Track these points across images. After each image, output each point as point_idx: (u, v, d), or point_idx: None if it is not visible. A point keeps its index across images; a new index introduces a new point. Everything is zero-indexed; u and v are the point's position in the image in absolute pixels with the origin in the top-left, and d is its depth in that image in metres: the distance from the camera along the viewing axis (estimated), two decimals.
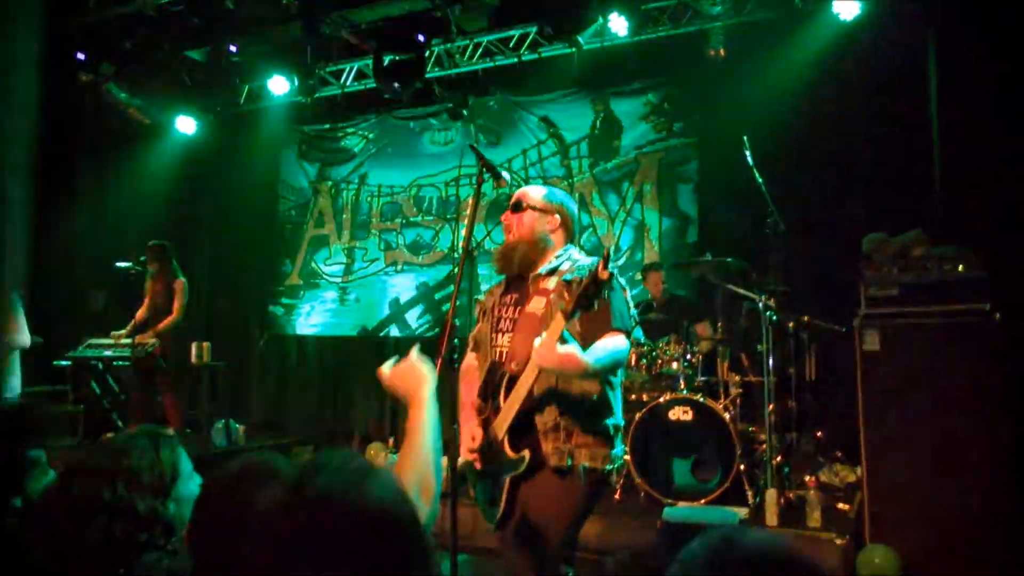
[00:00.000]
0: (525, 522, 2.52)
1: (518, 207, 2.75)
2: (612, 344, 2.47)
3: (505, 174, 2.69)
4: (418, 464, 1.66)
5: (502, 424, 2.52)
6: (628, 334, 2.54)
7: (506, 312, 2.71)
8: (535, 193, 2.79)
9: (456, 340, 2.57)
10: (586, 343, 2.40)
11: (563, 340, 2.28)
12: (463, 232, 2.52)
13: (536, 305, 2.60)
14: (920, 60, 4.92)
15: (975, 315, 3.80)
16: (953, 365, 3.82)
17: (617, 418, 2.60)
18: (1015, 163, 4.19)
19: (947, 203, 4.53)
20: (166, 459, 1.64)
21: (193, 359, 6.69)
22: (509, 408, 2.51)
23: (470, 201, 2.59)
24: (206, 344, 6.74)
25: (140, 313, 6.60)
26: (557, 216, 2.71)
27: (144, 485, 1.58)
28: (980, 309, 3.79)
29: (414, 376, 1.84)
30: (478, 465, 2.60)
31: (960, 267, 3.87)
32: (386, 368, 1.93)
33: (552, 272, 2.64)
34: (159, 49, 7.23)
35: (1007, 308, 3.82)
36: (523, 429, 2.51)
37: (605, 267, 2.18)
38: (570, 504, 2.52)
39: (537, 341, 2.28)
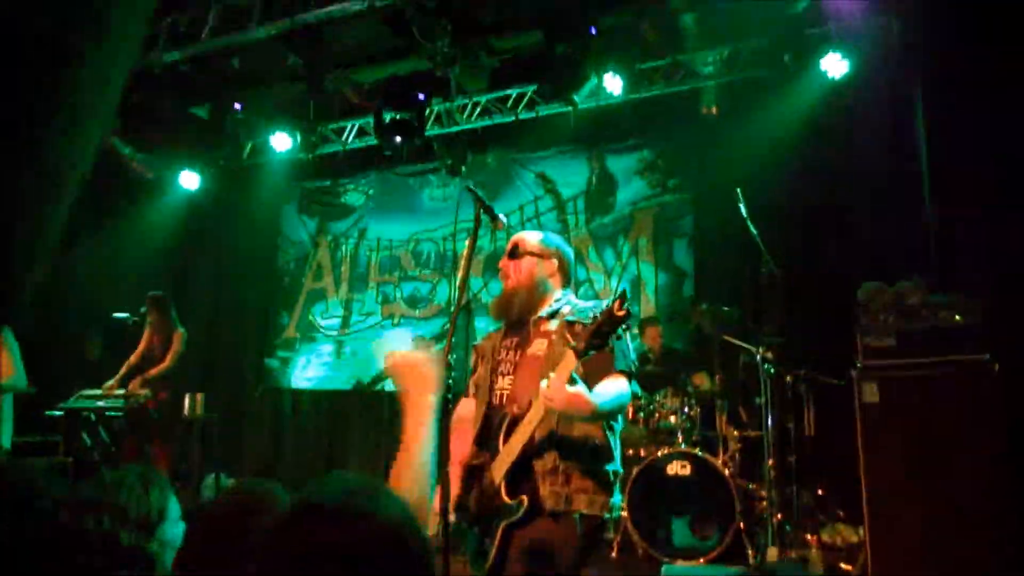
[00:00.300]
0: (519, 573, 2.40)
1: (515, 253, 2.70)
2: (615, 387, 2.41)
3: (502, 216, 2.65)
4: (411, 481, 1.54)
5: (500, 468, 2.43)
6: (631, 377, 2.49)
7: (506, 355, 2.66)
8: (532, 238, 2.74)
9: (450, 380, 2.50)
10: (588, 385, 2.32)
11: (572, 381, 2.22)
12: (459, 273, 2.45)
13: (538, 347, 2.56)
14: (908, 111, 4.97)
15: (974, 365, 3.71)
16: (953, 417, 3.71)
17: (616, 465, 2.51)
18: (1008, 209, 4.18)
19: (943, 251, 4.50)
20: (155, 499, 1.59)
21: (186, 411, 6.59)
22: (509, 451, 2.42)
23: (467, 243, 2.54)
24: (199, 396, 6.65)
25: (131, 360, 6.53)
26: (555, 260, 2.69)
27: (129, 520, 1.53)
28: (979, 359, 3.70)
29: (423, 375, 1.66)
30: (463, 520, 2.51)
31: (957, 315, 3.81)
32: (396, 351, 1.76)
33: (553, 315, 2.60)
34: (165, 106, 7.33)
35: (1006, 356, 3.74)
36: (521, 474, 2.42)
37: (622, 306, 2.14)
38: (566, 552, 2.40)
39: (544, 382, 2.23)
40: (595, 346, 2.19)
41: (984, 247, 4.29)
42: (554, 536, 2.39)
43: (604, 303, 2.32)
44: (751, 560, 4.30)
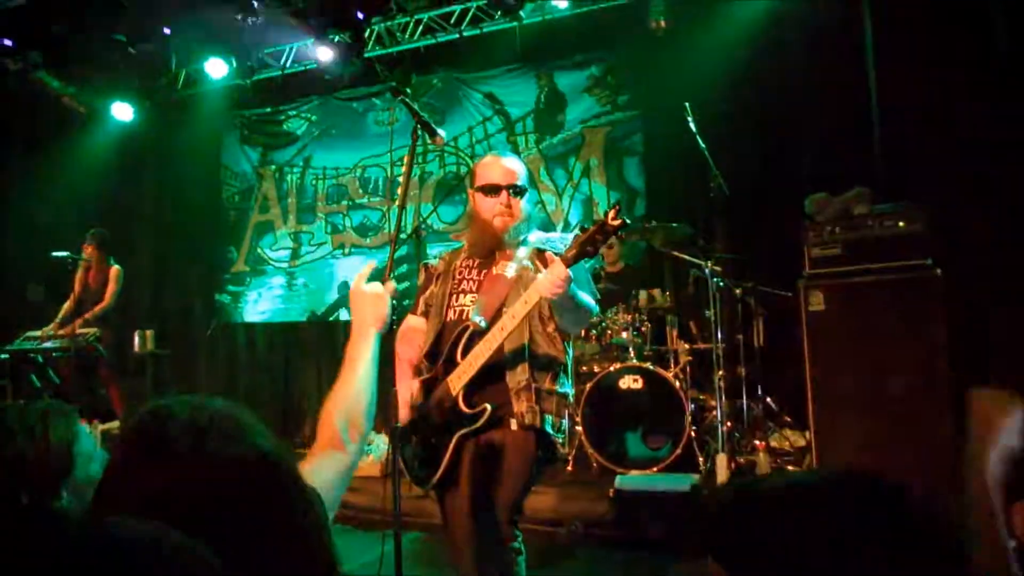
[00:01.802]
0: (474, 482, 2.41)
1: (518, 190, 2.64)
2: (587, 298, 2.47)
3: (440, 131, 2.53)
4: (349, 397, 1.56)
5: (459, 379, 2.44)
6: (597, 301, 2.57)
7: (468, 274, 2.66)
8: (521, 171, 2.69)
9: (395, 302, 2.42)
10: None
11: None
12: (399, 192, 2.35)
13: (503, 268, 2.57)
14: (856, 21, 4.87)
15: (917, 270, 3.74)
16: (897, 322, 3.75)
17: (570, 387, 2.58)
18: (954, 117, 4.16)
19: (888, 161, 4.48)
20: (56, 440, 1.35)
21: (136, 347, 6.51)
22: (471, 363, 2.42)
23: (404, 159, 2.43)
24: (149, 332, 6.56)
25: (68, 302, 6.37)
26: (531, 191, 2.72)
27: (27, 476, 1.31)
28: (921, 264, 3.73)
29: (375, 307, 1.76)
30: (406, 421, 2.52)
31: (900, 223, 3.81)
32: (362, 282, 1.82)
33: (522, 242, 2.62)
34: (89, 34, 6.89)
35: (951, 262, 3.78)
36: (484, 385, 2.44)
37: (617, 215, 2.14)
38: (527, 465, 2.44)
39: (541, 274, 2.24)
40: (587, 254, 2.21)
41: (929, 157, 4.28)
42: (520, 448, 2.42)
43: (570, 236, 2.40)
44: (701, 467, 4.38)
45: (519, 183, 2.64)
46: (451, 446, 2.43)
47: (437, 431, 2.49)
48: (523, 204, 2.63)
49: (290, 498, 0.95)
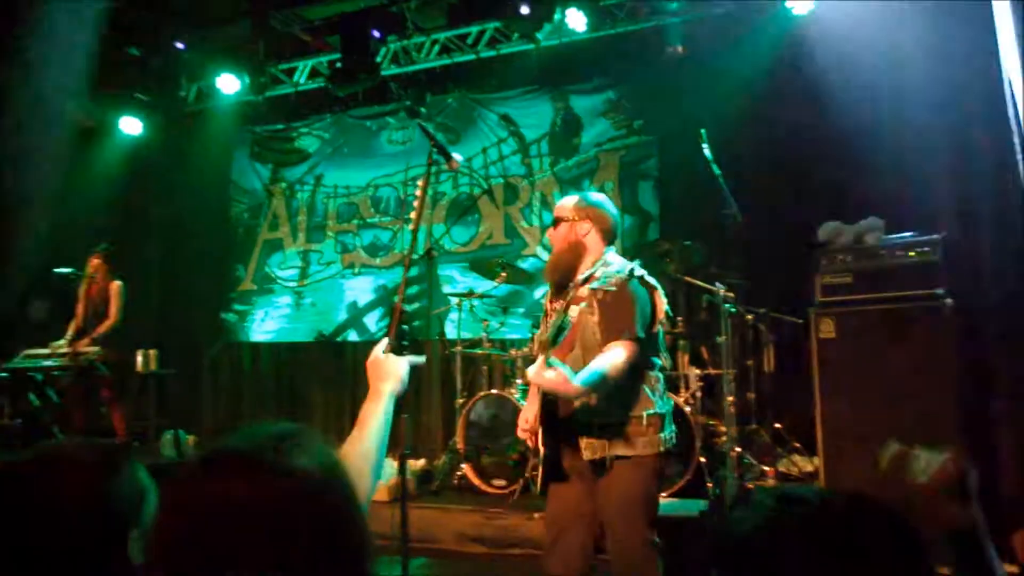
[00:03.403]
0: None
1: (555, 222, 2.98)
2: (603, 360, 2.62)
3: (456, 156, 2.80)
4: (357, 455, 1.59)
5: (533, 415, 2.99)
6: (634, 341, 2.68)
7: (549, 311, 3.01)
8: (567, 203, 2.99)
9: (406, 327, 2.69)
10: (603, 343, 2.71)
11: (551, 365, 2.45)
12: (412, 216, 2.58)
13: (573, 312, 2.83)
14: (873, 49, 5.15)
15: (927, 300, 3.95)
16: (907, 352, 3.94)
17: (655, 409, 2.78)
18: (971, 148, 4.40)
19: (901, 191, 4.72)
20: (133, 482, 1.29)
21: (139, 367, 6.68)
22: (531, 402, 3.03)
23: (419, 183, 2.65)
24: (152, 351, 6.73)
25: (77, 321, 6.58)
26: (588, 221, 2.89)
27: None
28: (932, 294, 3.94)
29: (393, 370, 1.84)
30: (531, 443, 3.01)
31: (912, 253, 4.05)
32: (378, 350, 1.92)
33: (587, 280, 2.84)
34: (101, 47, 7.21)
35: (963, 294, 3.99)
36: (548, 424, 2.88)
37: None
38: (619, 491, 2.76)
39: (531, 369, 2.52)
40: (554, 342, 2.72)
41: (943, 189, 4.52)
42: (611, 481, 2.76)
43: (628, 266, 2.81)
44: (710, 493, 4.60)
45: (556, 216, 2.97)
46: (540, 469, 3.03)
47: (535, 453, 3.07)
48: (562, 232, 2.91)
49: (357, 508, 1.03)
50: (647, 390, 2.78)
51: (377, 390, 1.79)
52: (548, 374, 2.43)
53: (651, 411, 2.75)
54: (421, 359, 2.08)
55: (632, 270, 2.81)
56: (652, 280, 2.86)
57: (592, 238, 2.89)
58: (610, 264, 2.85)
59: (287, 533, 0.90)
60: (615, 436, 2.72)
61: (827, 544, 0.89)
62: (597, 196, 3.08)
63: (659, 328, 2.89)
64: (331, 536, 0.93)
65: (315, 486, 0.95)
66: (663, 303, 2.86)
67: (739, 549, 0.95)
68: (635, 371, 2.72)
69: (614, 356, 2.63)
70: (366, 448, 1.62)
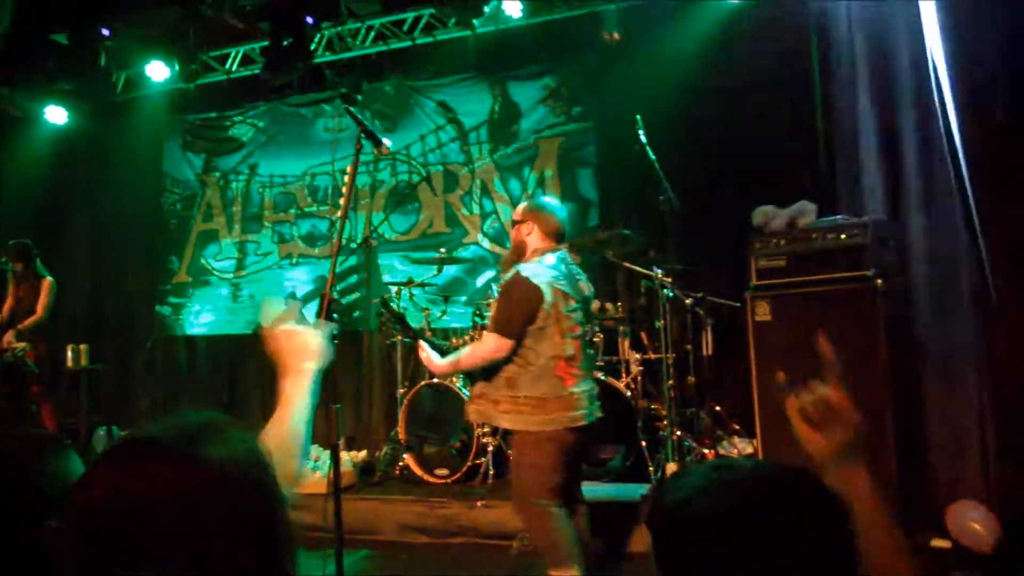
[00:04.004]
0: None
1: (512, 224, 3.46)
2: (467, 347, 3.42)
3: (386, 140, 2.71)
4: (281, 438, 1.48)
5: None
6: (500, 333, 3.18)
7: None
8: (519, 206, 3.51)
9: (336, 315, 2.61)
10: None
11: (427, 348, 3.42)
12: (341, 200, 2.51)
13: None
14: (804, 35, 5.18)
15: (858, 281, 4.00)
16: (839, 331, 3.97)
17: (535, 391, 3.16)
18: (896, 131, 4.46)
19: (832, 174, 4.77)
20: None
21: (69, 363, 6.46)
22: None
23: (348, 169, 2.58)
24: (83, 347, 6.52)
25: (3, 316, 6.35)
26: (529, 223, 3.32)
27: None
28: (862, 276, 3.99)
29: (300, 344, 1.66)
30: None
31: (843, 236, 4.09)
32: (277, 323, 1.74)
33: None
34: (23, 33, 6.88)
35: (892, 274, 4.05)
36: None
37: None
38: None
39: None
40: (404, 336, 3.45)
41: (873, 171, 4.58)
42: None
43: (521, 268, 3.19)
44: (652, 476, 4.59)
45: (513, 217, 3.49)
46: None
47: None
48: (512, 234, 3.43)
49: (278, 499, 0.98)
50: (523, 375, 3.16)
51: (296, 368, 1.63)
52: (421, 353, 3.38)
53: (526, 394, 3.15)
54: (333, 327, 1.98)
55: (518, 271, 3.17)
56: (538, 281, 3.12)
57: (534, 238, 3.29)
58: (537, 263, 3.21)
59: (202, 525, 0.87)
60: (495, 411, 3.22)
61: (757, 506, 0.94)
62: (544, 199, 3.57)
63: (547, 323, 3.14)
64: (248, 528, 0.91)
65: (232, 477, 0.91)
66: (549, 300, 3.12)
67: (675, 514, 0.97)
68: (510, 358, 3.17)
69: (477, 345, 3.31)
70: (290, 429, 1.52)
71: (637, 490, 4.39)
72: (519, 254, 3.30)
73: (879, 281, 3.98)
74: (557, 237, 3.29)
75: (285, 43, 6.47)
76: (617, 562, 4.02)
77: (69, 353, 6.45)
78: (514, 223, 3.39)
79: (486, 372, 3.23)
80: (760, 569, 0.90)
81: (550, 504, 3.14)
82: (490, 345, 3.18)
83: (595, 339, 5.13)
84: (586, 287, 3.39)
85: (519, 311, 3.13)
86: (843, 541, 0.95)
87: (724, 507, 0.94)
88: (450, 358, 3.30)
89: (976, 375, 4.08)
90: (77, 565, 0.87)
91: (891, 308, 4.02)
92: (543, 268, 3.18)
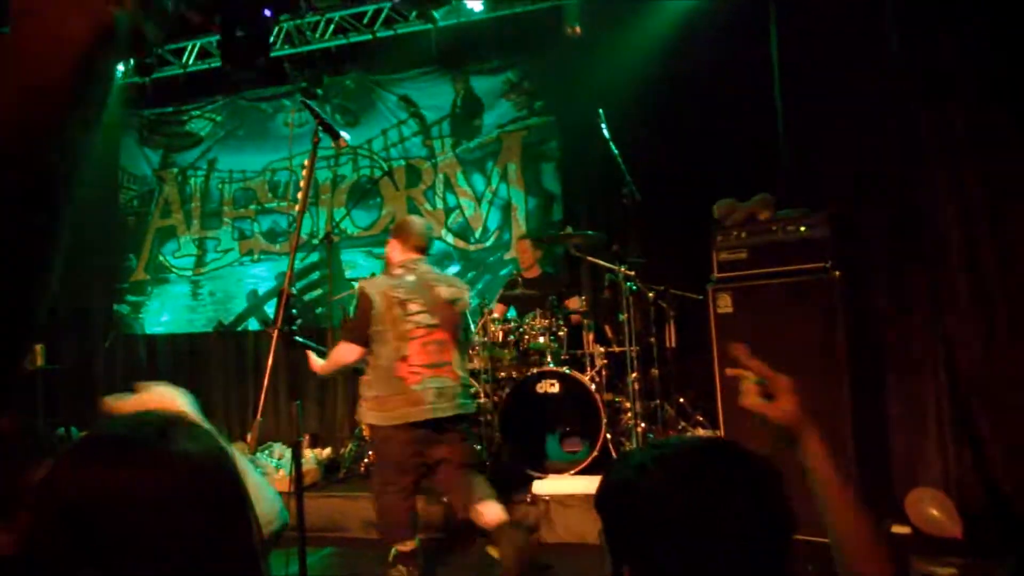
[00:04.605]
0: None
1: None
2: (333, 351, 3.65)
3: (344, 134, 2.63)
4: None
5: None
6: (345, 339, 3.63)
7: None
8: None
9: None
10: None
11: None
12: (299, 194, 2.43)
13: None
14: (764, 28, 5.19)
15: (817, 273, 4.00)
16: (799, 322, 3.98)
17: (376, 391, 3.53)
18: (855, 125, 4.47)
19: (792, 167, 4.78)
20: None
21: (25, 363, 6.24)
22: None
23: (305, 163, 2.51)
24: (39, 347, 6.33)
25: None
26: (393, 240, 3.72)
27: None
28: (821, 267, 3.98)
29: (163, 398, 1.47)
30: None
31: (803, 228, 4.08)
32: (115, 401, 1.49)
33: None
34: None
35: (850, 266, 4.06)
36: None
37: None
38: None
39: None
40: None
41: (831, 163, 4.60)
42: None
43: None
44: None
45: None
46: None
47: None
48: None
49: (245, 496, 0.97)
50: (372, 376, 3.55)
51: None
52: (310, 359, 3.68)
53: (374, 393, 3.52)
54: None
55: (359, 283, 3.74)
56: (370, 290, 3.50)
57: (396, 253, 3.68)
58: (382, 275, 3.72)
59: (180, 520, 0.86)
60: (361, 409, 3.61)
61: (690, 476, 0.97)
62: (410, 217, 4.03)
63: (384, 327, 3.46)
64: (223, 521, 0.91)
65: (205, 470, 0.91)
66: (380, 307, 3.45)
67: (616, 492, 1.02)
68: (367, 361, 3.57)
69: (335, 350, 3.60)
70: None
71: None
72: (386, 266, 3.76)
73: (837, 274, 3.99)
74: (418, 249, 3.67)
75: (239, 35, 6.30)
76: (580, 554, 3.99)
77: None
78: (385, 240, 3.86)
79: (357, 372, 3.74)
80: (699, 535, 0.93)
81: (395, 490, 3.51)
82: (338, 349, 3.61)
83: (560, 333, 5.09)
84: (445, 291, 3.60)
85: (357, 317, 3.56)
86: (775, 501, 0.98)
87: (660, 481, 0.97)
88: (324, 361, 3.68)
89: (934, 363, 4.10)
90: (53, 564, 0.86)
91: (849, 299, 4.03)
92: (383, 279, 3.60)
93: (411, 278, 3.55)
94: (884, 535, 1.23)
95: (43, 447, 1.41)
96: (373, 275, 4.01)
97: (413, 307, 3.47)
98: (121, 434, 0.93)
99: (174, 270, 7.75)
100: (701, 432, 4.94)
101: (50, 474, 0.91)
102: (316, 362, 3.66)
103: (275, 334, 2.51)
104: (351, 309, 3.64)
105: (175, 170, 7.85)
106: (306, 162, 2.53)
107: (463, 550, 4.27)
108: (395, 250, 3.68)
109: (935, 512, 3.65)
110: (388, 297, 3.46)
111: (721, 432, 4.14)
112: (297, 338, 2.76)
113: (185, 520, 0.87)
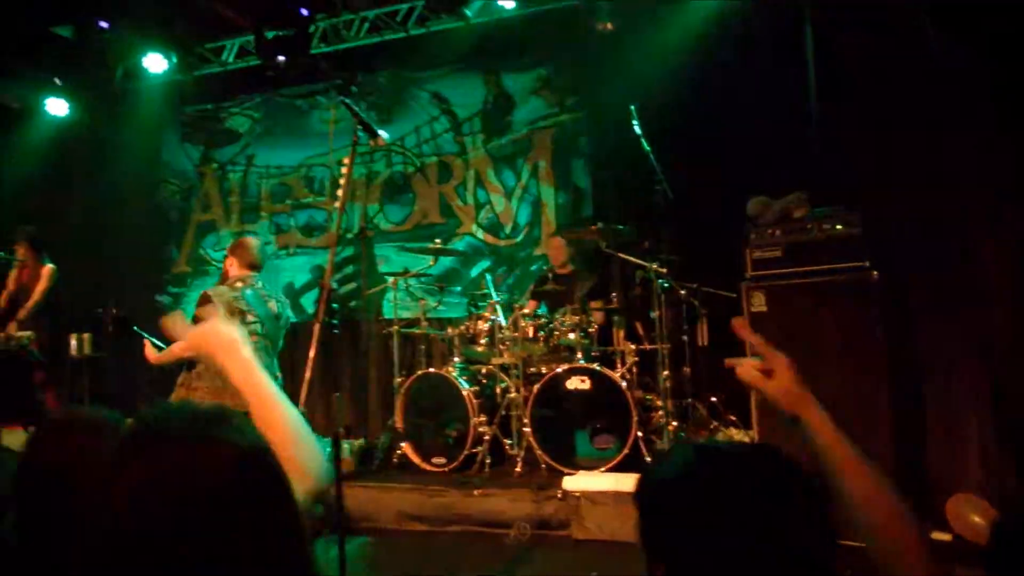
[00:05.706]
0: None
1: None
2: (172, 345, 3.74)
3: (382, 132, 2.53)
4: (280, 430, 1.26)
5: None
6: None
7: None
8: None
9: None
10: None
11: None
12: (339, 192, 2.37)
13: None
14: (798, 25, 4.99)
15: (853, 272, 3.83)
16: (835, 323, 3.83)
17: (206, 383, 3.67)
18: (890, 122, 4.28)
19: (827, 164, 4.59)
20: None
21: (73, 351, 6.30)
22: None
23: (344, 161, 2.43)
24: (87, 335, 6.36)
25: (3, 304, 6.17)
26: (231, 257, 3.93)
27: None
28: (858, 266, 3.82)
29: (219, 339, 1.40)
30: None
31: (838, 226, 3.91)
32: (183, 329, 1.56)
33: None
34: (23, 26, 6.64)
35: (887, 264, 3.88)
36: None
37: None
38: None
39: None
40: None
41: (868, 161, 4.40)
42: None
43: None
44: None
45: None
46: None
47: None
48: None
49: (290, 485, 0.94)
50: (201, 370, 3.67)
51: (234, 360, 1.37)
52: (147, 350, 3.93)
53: (206, 385, 3.64)
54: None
55: (205, 291, 3.79)
56: (216, 298, 3.65)
57: (233, 268, 3.88)
58: (224, 286, 3.82)
59: (229, 506, 0.85)
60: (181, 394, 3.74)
61: (733, 480, 0.95)
62: (246, 236, 4.34)
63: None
64: (270, 509, 0.90)
65: (251, 460, 0.90)
66: (222, 314, 3.47)
67: (661, 492, 0.99)
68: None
69: (175, 344, 3.64)
70: (278, 417, 1.30)
71: (632, 480, 4.22)
72: (222, 279, 3.93)
73: (875, 272, 3.82)
74: (252, 267, 3.88)
75: (280, 34, 6.23)
76: (611, 552, 3.88)
77: (73, 342, 6.29)
78: (224, 256, 4.03)
79: (190, 365, 3.76)
80: (741, 540, 0.91)
81: None
82: (178, 344, 3.53)
83: (590, 329, 4.96)
84: (276, 306, 3.88)
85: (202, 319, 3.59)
86: (820, 515, 0.95)
87: (706, 481, 0.96)
88: (160, 353, 3.88)
89: (974, 364, 3.91)
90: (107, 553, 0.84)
91: (887, 298, 3.85)
92: (226, 289, 3.78)
93: (249, 292, 3.80)
94: (907, 500, 1.13)
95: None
96: (216, 285, 4.09)
97: (250, 317, 3.72)
98: (168, 426, 0.91)
99: (214, 263, 7.74)
100: (734, 432, 4.79)
101: (113, 457, 0.89)
102: (152, 352, 3.91)
103: (316, 328, 2.49)
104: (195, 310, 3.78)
105: (215, 165, 7.83)
106: (345, 159, 2.45)
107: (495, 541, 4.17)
108: (233, 266, 3.91)
109: (977, 519, 3.46)
110: (231, 306, 3.67)
111: (754, 433, 3.99)
112: (135, 327, 3.22)
113: (233, 512, 0.85)
